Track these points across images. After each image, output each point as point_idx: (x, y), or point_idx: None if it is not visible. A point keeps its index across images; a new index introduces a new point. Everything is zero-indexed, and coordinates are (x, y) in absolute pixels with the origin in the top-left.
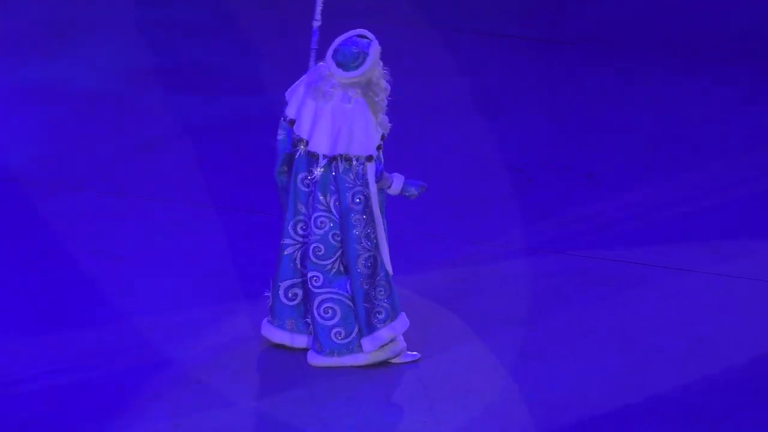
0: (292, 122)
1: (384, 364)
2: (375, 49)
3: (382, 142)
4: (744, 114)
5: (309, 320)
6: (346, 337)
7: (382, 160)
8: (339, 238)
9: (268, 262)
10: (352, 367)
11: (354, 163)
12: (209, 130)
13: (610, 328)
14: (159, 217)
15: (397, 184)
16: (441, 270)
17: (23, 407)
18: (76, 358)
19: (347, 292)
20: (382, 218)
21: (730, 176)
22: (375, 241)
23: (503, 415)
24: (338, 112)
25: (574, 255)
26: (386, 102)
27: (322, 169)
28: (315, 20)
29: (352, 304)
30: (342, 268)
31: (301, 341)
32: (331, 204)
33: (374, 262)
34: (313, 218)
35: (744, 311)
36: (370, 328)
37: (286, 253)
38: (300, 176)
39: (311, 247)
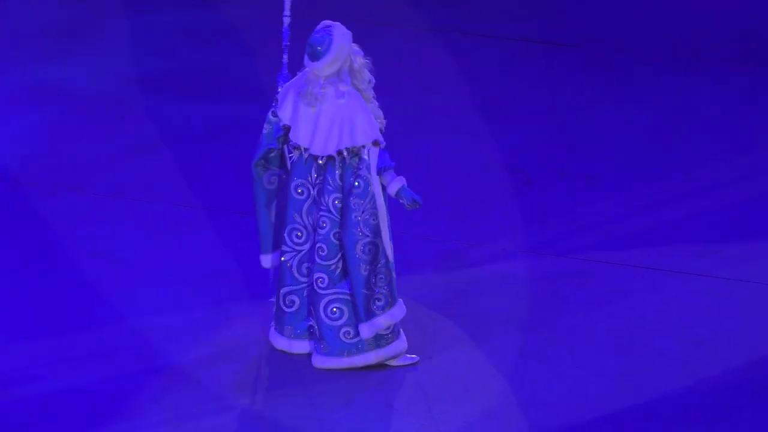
0: (287, 128)
1: (383, 366)
2: (338, 30)
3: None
4: (744, 115)
5: (312, 323)
6: (355, 336)
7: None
8: (344, 248)
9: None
10: (354, 368)
11: (362, 150)
12: (208, 132)
13: (609, 331)
14: (158, 218)
15: (395, 185)
16: (440, 271)
17: (21, 409)
18: (74, 360)
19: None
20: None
21: (730, 178)
22: (377, 227)
23: (502, 418)
24: (334, 110)
25: (573, 257)
26: (373, 93)
27: (322, 169)
28: (285, 16)
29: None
30: (346, 267)
31: (298, 347)
32: (330, 203)
33: (374, 248)
34: (317, 218)
35: (743, 314)
36: (368, 315)
37: (283, 259)
38: (293, 184)
39: (316, 248)
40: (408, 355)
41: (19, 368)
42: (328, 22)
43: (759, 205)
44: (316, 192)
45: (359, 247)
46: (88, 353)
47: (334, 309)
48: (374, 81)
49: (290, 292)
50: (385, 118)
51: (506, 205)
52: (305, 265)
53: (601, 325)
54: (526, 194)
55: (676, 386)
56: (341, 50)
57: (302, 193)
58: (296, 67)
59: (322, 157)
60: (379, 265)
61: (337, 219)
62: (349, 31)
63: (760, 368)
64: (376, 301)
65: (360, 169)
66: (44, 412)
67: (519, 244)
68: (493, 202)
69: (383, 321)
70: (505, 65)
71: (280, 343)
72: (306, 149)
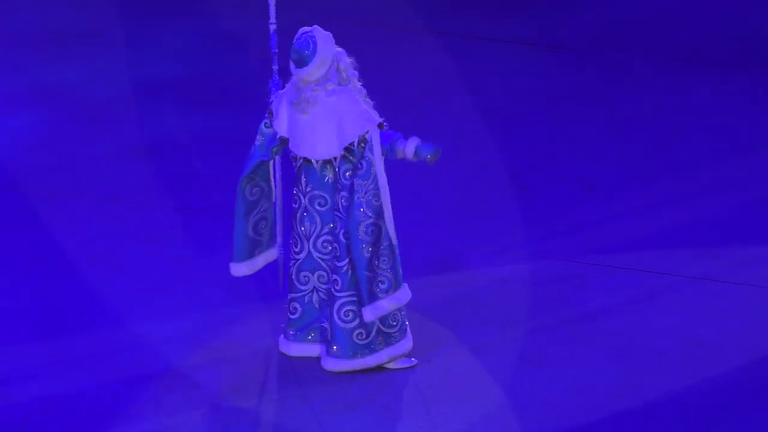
0: (285, 141)
1: (382, 369)
2: (320, 33)
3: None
4: (743, 117)
5: (326, 325)
6: (367, 337)
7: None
8: (349, 240)
9: (264, 269)
10: (364, 371)
11: (367, 134)
12: (206, 136)
13: (608, 333)
14: (156, 222)
15: (410, 147)
16: (438, 274)
17: (20, 412)
18: (73, 363)
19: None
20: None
21: (730, 180)
22: (379, 209)
23: (501, 420)
24: (327, 111)
25: (572, 261)
26: (364, 91)
27: (332, 172)
28: (271, 23)
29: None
30: None
31: (296, 349)
32: (340, 203)
33: (377, 230)
34: (331, 220)
35: (743, 315)
36: (371, 297)
37: (290, 267)
38: (293, 191)
39: (333, 248)
40: (407, 358)
41: (19, 371)
42: (306, 28)
43: (759, 207)
44: (307, 200)
45: (362, 228)
46: (87, 356)
47: (348, 311)
48: (361, 80)
49: (292, 300)
50: (381, 118)
51: (505, 208)
52: (303, 273)
53: (601, 328)
54: (525, 197)
55: (675, 387)
56: (326, 51)
57: (296, 202)
58: (286, 73)
59: (335, 158)
60: (382, 247)
61: (344, 217)
62: (330, 33)
63: (760, 369)
64: (380, 284)
65: (365, 150)
66: (43, 414)
67: (518, 246)
68: (492, 205)
69: (386, 304)
70: (504, 68)
71: (281, 345)
72: (299, 157)
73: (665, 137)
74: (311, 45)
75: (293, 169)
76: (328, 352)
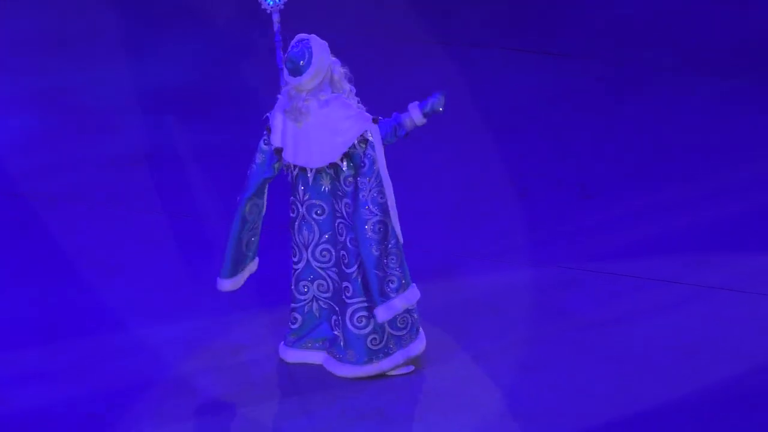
0: (279, 150)
1: (378, 376)
2: (315, 42)
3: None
4: (738, 126)
5: (329, 333)
6: (381, 342)
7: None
8: (356, 243)
9: (261, 274)
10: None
11: (366, 133)
12: (205, 142)
13: (605, 340)
14: (154, 228)
15: (415, 114)
16: (435, 282)
17: (17, 418)
18: (70, 370)
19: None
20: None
21: (726, 188)
22: (384, 206)
23: (497, 428)
24: (320, 120)
25: (569, 267)
26: (357, 99)
27: (329, 180)
28: (277, 41)
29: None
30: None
31: (295, 356)
32: (344, 209)
33: (384, 227)
34: (336, 226)
35: (737, 323)
36: (383, 297)
37: (291, 277)
38: (290, 200)
39: (340, 256)
40: (405, 365)
41: (16, 377)
42: (302, 35)
43: (752, 215)
44: (304, 209)
45: (369, 226)
46: (85, 362)
47: (360, 318)
48: (354, 90)
49: (293, 310)
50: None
51: (501, 215)
52: (302, 282)
53: (598, 334)
54: (523, 203)
55: (674, 395)
56: (321, 63)
57: (293, 212)
58: None
59: (329, 166)
60: (390, 246)
61: (350, 224)
62: (326, 42)
63: (753, 377)
64: (390, 283)
65: (367, 149)
66: (40, 421)
67: (515, 252)
68: (490, 211)
69: (399, 303)
70: (500, 75)
71: (281, 351)
72: (295, 167)
73: (663, 143)
74: (307, 55)
75: (284, 177)
76: (341, 359)
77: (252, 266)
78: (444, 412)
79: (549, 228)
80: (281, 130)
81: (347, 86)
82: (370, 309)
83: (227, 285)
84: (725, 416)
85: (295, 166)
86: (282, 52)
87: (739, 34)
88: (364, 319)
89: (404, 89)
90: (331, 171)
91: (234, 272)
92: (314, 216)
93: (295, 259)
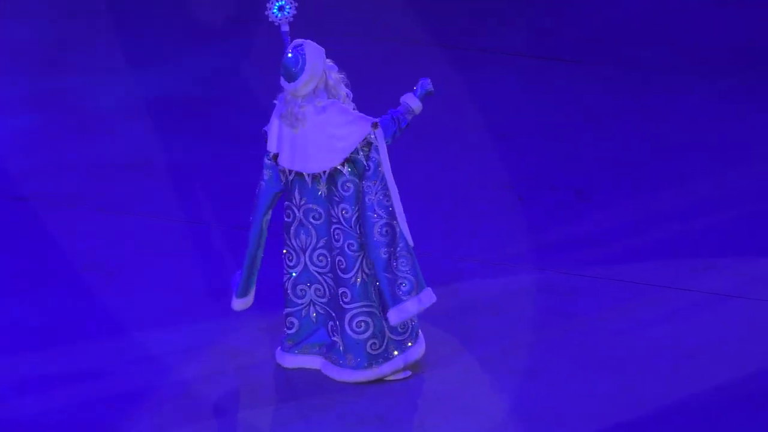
0: (275, 156)
1: (378, 381)
2: (310, 48)
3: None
4: (737, 129)
5: (336, 339)
6: (380, 346)
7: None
8: (354, 248)
9: (260, 279)
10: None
11: (369, 136)
12: (204, 147)
13: (603, 345)
14: (151, 233)
15: (413, 103)
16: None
17: (14, 424)
18: (67, 375)
19: (374, 300)
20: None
21: (724, 193)
22: (391, 209)
23: None
24: (317, 126)
25: (565, 272)
26: (353, 105)
27: (324, 186)
28: (286, 51)
29: (381, 313)
30: (366, 278)
31: (293, 361)
32: (340, 215)
33: (392, 230)
34: (331, 231)
35: (736, 329)
36: (395, 300)
37: (282, 282)
38: (285, 204)
39: (336, 261)
40: (403, 371)
41: (13, 382)
42: (299, 41)
43: (752, 220)
44: (301, 214)
45: (376, 229)
46: (82, 368)
47: (360, 323)
48: (351, 95)
49: (289, 314)
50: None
51: (498, 220)
52: (299, 286)
53: (596, 339)
54: (518, 209)
55: (672, 399)
56: (315, 68)
57: (289, 216)
58: None
59: (325, 171)
60: (399, 248)
61: (347, 229)
62: (322, 48)
63: (754, 381)
64: (401, 286)
65: (370, 152)
66: (38, 426)
67: (512, 258)
68: (486, 217)
69: (411, 306)
70: (497, 80)
71: (278, 356)
72: (291, 171)
73: (660, 148)
74: (300, 61)
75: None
76: (340, 364)
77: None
78: (444, 416)
79: (546, 233)
80: (277, 135)
81: (343, 92)
82: (370, 314)
83: (241, 304)
84: (726, 420)
85: (291, 171)
86: None
87: (739, 38)
88: (363, 324)
89: (403, 92)
90: (323, 176)
91: (247, 291)
92: (311, 220)
93: (292, 264)
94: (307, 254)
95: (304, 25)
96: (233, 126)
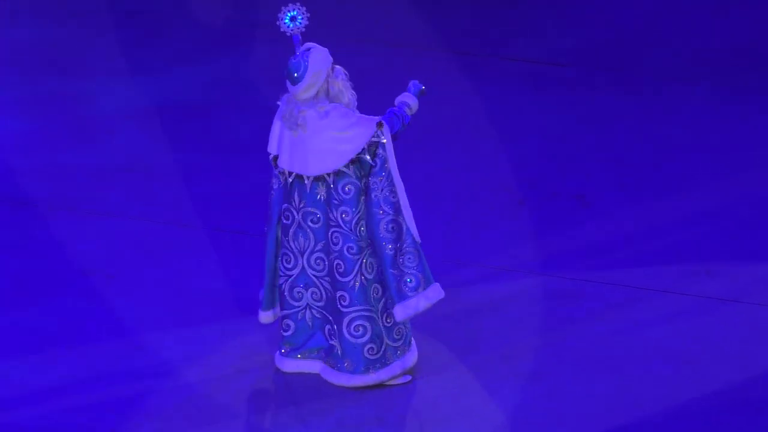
0: (276, 158)
1: (378, 386)
2: (315, 55)
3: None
4: (737, 134)
5: (333, 343)
6: (378, 351)
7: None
8: (354, 251)
9: (259, 282)
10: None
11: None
12: (202, 151)
13: (602, 350)
14: (150, 237)
15: (411, 100)
16: None
17: (15, 428)
18: (67, 379)
19: (372, 305)
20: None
21: (724, 198)
22: (397, 205)
23: None
24: (320, 130)
25: (565, 277)
26: (357, 112)
27: (324, 189)
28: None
29: (380, 318)
30: (365, 282)
31: (291, 365)
32: (339, 218)
33: (397, 226)
34: (330, 235)
35: (734, 334)
36: (401, 296)
37: (279, 283)
38: (282, 208)
39: (334, 265)
40: (403, 375)
41: (13, 386)
42: (309, 45)
43: (751, 224)
44: (300, 216)
45: (382, 225)
46: (82, 372)
47: (358, 327)
48: (356, 102)
49: (285, 317)
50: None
51: (498, 226)
52: (296, 289)
53: (595, 344)
54: (520, 213)
55: (671, 404)
56: (316, 77)
57: (288, 218)
58: None
59: (329, 174)
60: (405, 245)
61: (347, 232)
62: (330, 57)
63: (753, 386)
64: (407, 282)
65: (377, 149)
66: (38, 430)
67: (512, 263)
68: (486, 222)
69: (417, 303)
70: (498, 84)
71: (277, 360)
72: (290, 173)
73: (660, 154)
74: (302, 67)
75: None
76: (338, 368)
77: None
78: (442, 420)
79: (546, 237)
80: (278, 136)
81: (346, 99)
82: (368, 318)
83: (269, 316)
84: (725, 424)
85: (290, 173)
86: None
87: (739, 46)
88: (361, 328)
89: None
90: (329, 179)
91: (273, 303)
92: (309, 224)
93: (289, 266)
94: (305, 257)
95: (312, 27)
96: (233, 130)
